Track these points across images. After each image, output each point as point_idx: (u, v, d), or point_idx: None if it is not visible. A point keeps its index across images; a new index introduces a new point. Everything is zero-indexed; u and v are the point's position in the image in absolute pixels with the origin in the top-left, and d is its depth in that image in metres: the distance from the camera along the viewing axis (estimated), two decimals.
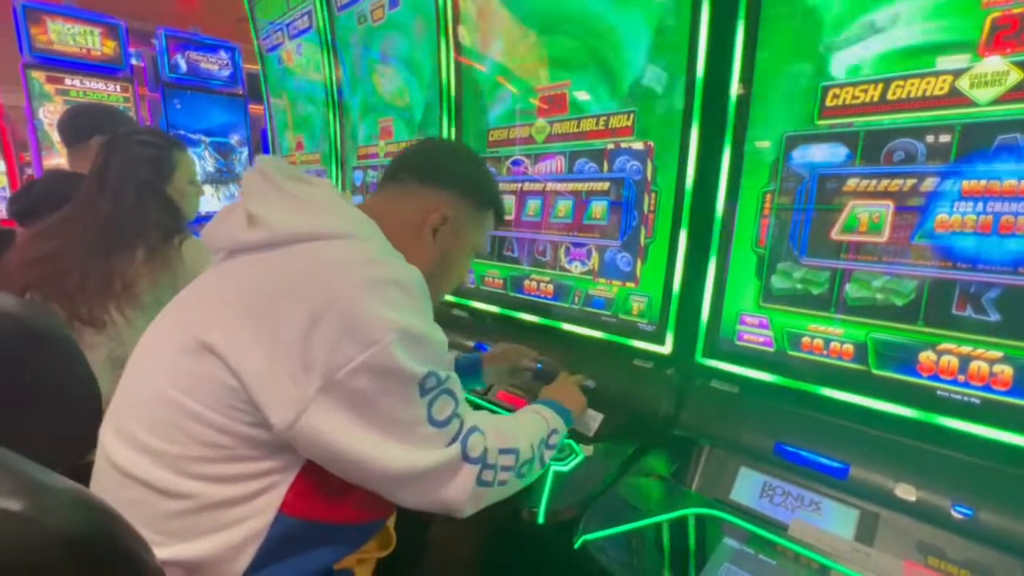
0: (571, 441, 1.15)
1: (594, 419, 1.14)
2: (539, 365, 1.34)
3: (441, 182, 0.90)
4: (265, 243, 0.71)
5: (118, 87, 4.43)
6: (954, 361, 0.88)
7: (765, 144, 1.07)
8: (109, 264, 1.20)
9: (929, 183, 0.89)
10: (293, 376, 0.62)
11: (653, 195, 1.27)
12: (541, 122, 1.50)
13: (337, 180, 2.49)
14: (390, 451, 0.67)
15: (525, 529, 0.94)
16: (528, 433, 0.91)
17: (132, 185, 1.27)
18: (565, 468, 1.06)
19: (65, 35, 4.11)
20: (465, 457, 0.74)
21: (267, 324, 0.64)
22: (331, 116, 2.45)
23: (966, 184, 0.85)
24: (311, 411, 0.62)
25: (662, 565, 0.83)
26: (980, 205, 0.84)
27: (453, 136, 1.78)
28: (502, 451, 0.81)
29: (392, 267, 0.71)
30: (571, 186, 1.45)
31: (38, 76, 4.05)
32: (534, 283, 1.57)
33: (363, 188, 2.33)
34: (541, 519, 0.93)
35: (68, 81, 4.16)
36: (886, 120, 0.93)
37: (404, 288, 0.70)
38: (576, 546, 0.86)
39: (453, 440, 0.73)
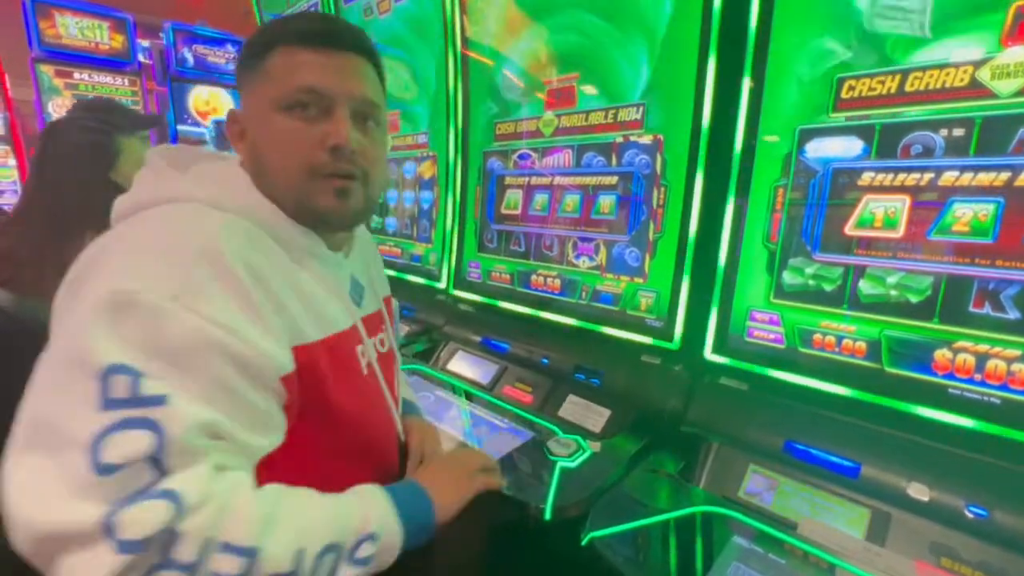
0: (578, 437, 1.15)
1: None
2: None
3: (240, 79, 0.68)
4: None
5: (126, 81, 4.45)
6: (970, 359, 0.86)
7: (777, 138, 1.05)
8: (61, 256, 1.17)
9: (947, 178, 0.87)
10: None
11: (662, 189, 1.25)
12: (549, 115, 1.48)
13: None
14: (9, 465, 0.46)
15: (531, 525, 0.93)
16: (312, 527, 0.55)
17: (71, 175, 1.21)
18: (572, 464, 1.05)
19: (73, 29, 4.13)
20: (110, 534, 0.43)
21: None
22: None
23: (985, 178, 0.83)
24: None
25: (670, 563, 0.82)
26: (1000, 200, 0.82)
27: (460, 130, 1.77)
28: (225, 548, 0.48)
29: (183, 232, 0.55)
30: (579, 180, 1.44)
31: (47, 70, 4.07)
32: (541, 278, 1.56)
33: None
34: (548, 515, 0.93)
35: (77, 75, 4.18)
36: (903, 113, 0.90)
37: (178, 253, 0.53)
38: (583, 543, 0.85)
39: (118, 501, 0.44)
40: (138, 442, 0.45)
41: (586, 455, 1.08)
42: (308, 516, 0.56)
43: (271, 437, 0.58)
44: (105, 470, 0.44)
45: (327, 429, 0.65)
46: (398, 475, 0.79)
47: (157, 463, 0.46)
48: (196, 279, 0.51)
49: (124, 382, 0.46)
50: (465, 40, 1.69)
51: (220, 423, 0.50)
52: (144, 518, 0.44)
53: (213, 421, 0.50)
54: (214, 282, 0.52)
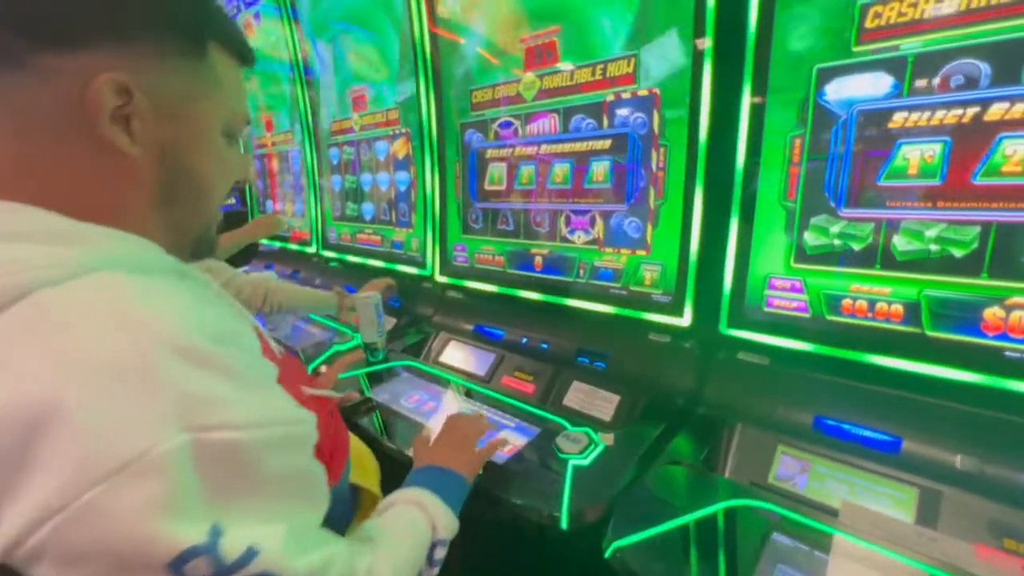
0: (588, 429, 1.05)
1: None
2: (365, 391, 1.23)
3: (92, 32, 0.41)
4: None
5: None
6: None
7: (792, 80, 0.93)
8: None
9: (995, 111, 0.75)
10: None
11: (662, 150, 1.13)
12: (529, 76, 1.34)
13: (312, 160, 2.32)
14: None
15: (548, 535, 0.84)
16: (409, 558, 0.59)
17: None
18: (585, 462, 0.96)
19: None
20: None
21: None
22: (299, 90, 2.25)
23: None
24: None
25: (708, 573, 0.73)
26: None
27: (432, 100, 1.62)
28: None
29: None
30: (568, 147, 1.30)
31: None
32: (533, 257, 1.44)
33: (342, 167, 2.16)
34: (564, 523, 0.83)
35: None
36: (941, 39, 0.78)
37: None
38: (607, 555, 0.76)
39: None
40: None
41: (599, 450, 0.99)
42: (402, 554, 0.58)
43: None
44: None
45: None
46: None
47: None
48: (183, 389, 0.37)
49: (202, 563, 0.35)
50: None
51: (309, 524, 0.47)
52: None
53: (302, 533, 0.44)
54: (207, 377, 0.39)
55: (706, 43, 1.01)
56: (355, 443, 0.89)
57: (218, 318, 0.44)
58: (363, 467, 0.86)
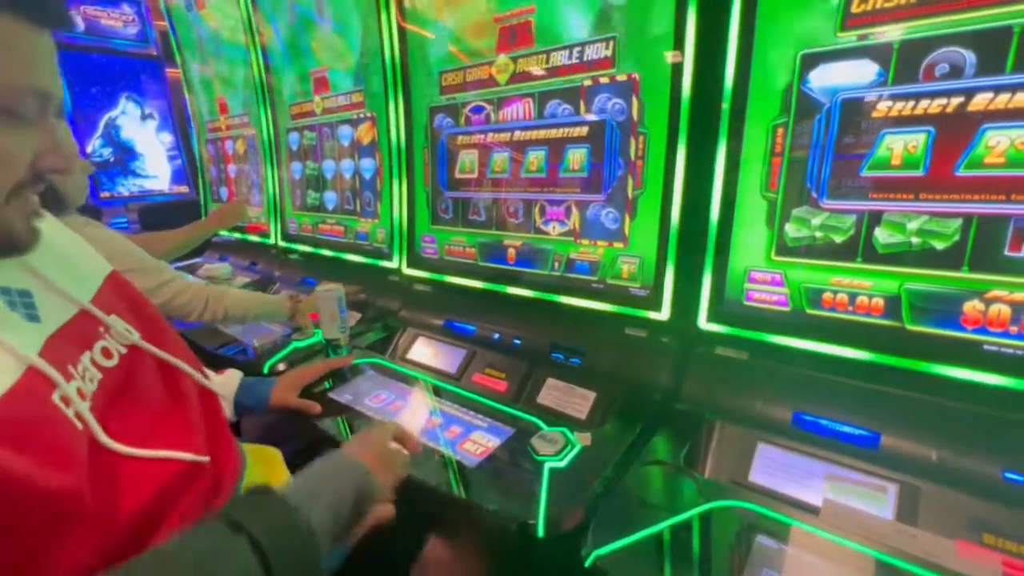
0: (564, 429, 1.00)
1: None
2: (327, 383, 1.17)
3: None
4: None
5: None
6: (1005, 310, 0.76)
7: (775, 65, 0.90)
8: None
9: (979, 101, 0.74)
10: None
11: (641, 138, 1.08)
12: (502, 59, 1.27)
13: (271, 146, 2.18)
14: None
15: (524, 545, 0.79)
16: None
17: None
18: (561, 464, 0.91)
19: None
20: None
21: None
22: (255, 70, 2.11)
23: None
24: None
25: None
26: None
27: (399, 82, 1.53)
28: None
29: None
30: (543, 134, 1.25)
31: None
32: (506, 249, 1.38)
33: (302, 153, 2.04)
34: (541, 531, 0.78)
35: None
36: (927, 26, 0.76)
37: None
38: (587, 563, 0.71)
39: None
40: None
41: (576, 450, 0.94)
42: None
43: None
44: None
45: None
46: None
47: None
48: None
49: None
50: None
51: None
52: None
53: None
54: None
55: (690, 26, 0.97)
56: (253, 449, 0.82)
57: None
58: (266, 462, 0.79)
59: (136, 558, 0.41)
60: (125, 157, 3.74)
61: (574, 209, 1.22)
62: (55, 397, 0.45)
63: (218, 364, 1.11)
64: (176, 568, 0.41)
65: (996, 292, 0.76)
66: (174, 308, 1.24)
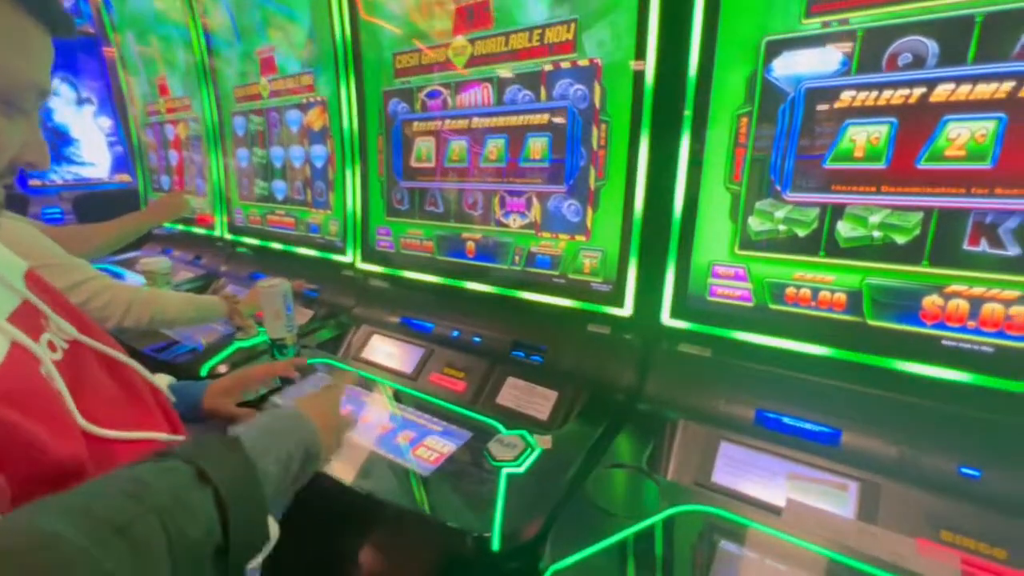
0: (523, 432, 0.96)
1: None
2: (262, 390, 1.08)
3: None
4: None
5: None
6: (964, 305, 0.75)
7: (740, 51, 0.86)
8: None
9: (941, 92, 0.72)
10: None
11: (603, 126, 1.04)
12: (460, 40, 1.20)
13: (215, 131, 2.03)
14: None
15: (479, 558, 0.73)
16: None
17: None
18: (520, 470, 0.86)
19: None
20: None
21: None
22: (196, 48, 1.96)
23: (985, 91, 0.70)
24: None
25: None
26: (1001, 116, 0.69)
27: (350, 63, 1.43)
28: None
29: None
30: (502, 121, 1.19)
31: None
32: (465, 243, 1.32)
33: (248, 139, 1.90)
34: (496, 545, 0.73)
35: None
36: (890, 13, 0.74)
37: None
38: None
39: None
40: None
41: (536, 455, 0.89)
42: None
43: None
44: None
45: None
46: None
47: None
48: None
49: None
50: None
51: None
52: None
53: None
54: None
55: (653, 9, 0.93)
56: None
57: None
58: None
59: (103, 480, 0.37)
60: (58, 142, 3.46)
61: (535, 201, 1.17)
62: (42, 372, 0.46)
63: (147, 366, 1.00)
64: (141, 508, 0.35)
65: (955, 287, 0.75)
66: (90, 311, 1.10)
